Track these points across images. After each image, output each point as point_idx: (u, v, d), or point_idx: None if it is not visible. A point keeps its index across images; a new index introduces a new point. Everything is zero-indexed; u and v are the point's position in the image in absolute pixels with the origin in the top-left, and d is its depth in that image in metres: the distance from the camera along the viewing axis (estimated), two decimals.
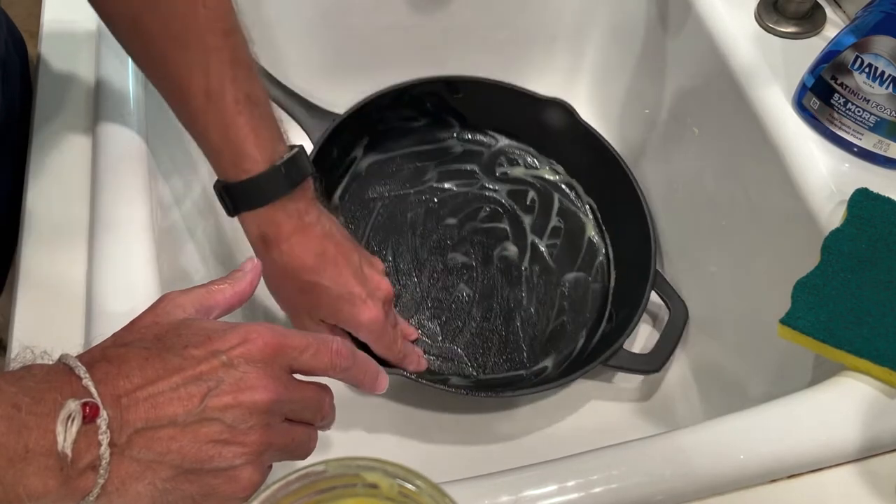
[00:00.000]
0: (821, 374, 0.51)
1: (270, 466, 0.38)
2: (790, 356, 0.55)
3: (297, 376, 0.39)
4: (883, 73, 0.55)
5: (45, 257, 0.53)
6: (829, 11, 0.68)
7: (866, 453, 0.46)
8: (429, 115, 0.79)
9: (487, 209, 0.76)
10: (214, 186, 0.53)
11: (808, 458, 0.46)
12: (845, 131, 0.59)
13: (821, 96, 0.59)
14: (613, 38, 0.84)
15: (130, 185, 0.56)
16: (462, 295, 0.71)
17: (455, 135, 0.81)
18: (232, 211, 0.52)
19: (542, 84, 0.89)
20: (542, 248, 0.74)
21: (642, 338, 0.72)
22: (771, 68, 0.64)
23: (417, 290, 0.71)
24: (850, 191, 0.55)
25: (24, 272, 0.52)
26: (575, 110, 0.76)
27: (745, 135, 0.64)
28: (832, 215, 0.55)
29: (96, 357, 0.36)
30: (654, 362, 0.66)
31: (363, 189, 0.76)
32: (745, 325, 0.65)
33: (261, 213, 0.51)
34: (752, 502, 0.45)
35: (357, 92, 0.74)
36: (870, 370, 0.48)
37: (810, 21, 0.67)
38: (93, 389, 0.33)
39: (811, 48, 0.62)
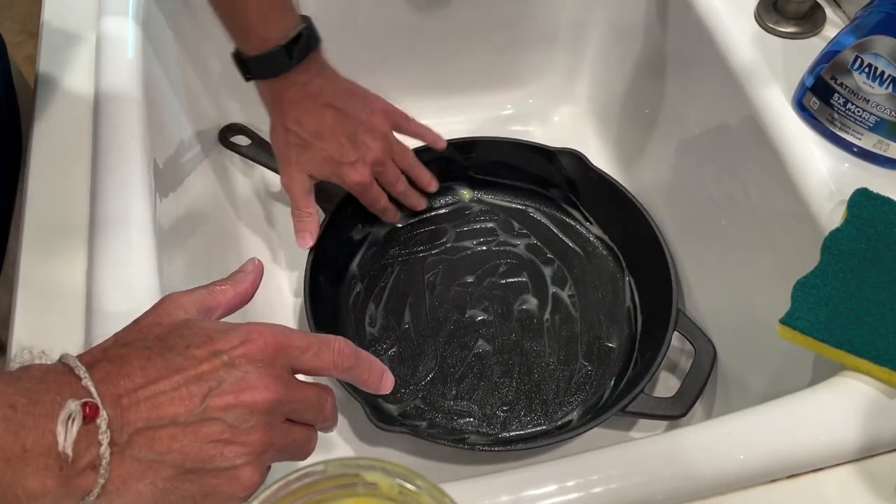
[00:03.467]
0: (821, 374, 0.51)
1: (269, 466, 0.38)
2: (790, 356, 0.55)
3: (300, 377, 0.39)
4: (883, 73, 0.55)
5: (44, 257, 0.53)
6: (829, 11, 0.68)
7: (866, 453, 0.46)
8: (443, 177, 0.78)
9: (506, 264, 0.75)
10: (232, 55, 0.61)
11: (807, 458, 0.46)
12: (845, 131, 0.59)
13: (821, 96, 0.59)
14: (613, 38, 0.84)
15: (130, 184, 0.56)
16: (480, 351, 0.69)
17: (471, 195, 0.80)
18: (245, 78, 0.61)
19: (543, 84, 0.89)
20: (565, 299, 0.73)
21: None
22: (771, 68, 0.64)
23: (435, 349, 0.69)
24: (850, 191, 0.55)
25: (24, 272, 0.52)
26: (586, 157, 0.75)
27: (745, 135, 0.64)
28: (832, 215, 0.55)
29: (97, 357, 0.36)
30: (678, 407, 0.62)
31: (381, 254, 0.76)
32: (745, 324, 0.65)
33: (270, 82, 0.61)
34: (752, 502, 0.45)
35: None
36: (870, 370, 0.48)
37: (810, 21, 0.67)
38: (92, 389, 0.33)
39: (811, 48, 0.62)
